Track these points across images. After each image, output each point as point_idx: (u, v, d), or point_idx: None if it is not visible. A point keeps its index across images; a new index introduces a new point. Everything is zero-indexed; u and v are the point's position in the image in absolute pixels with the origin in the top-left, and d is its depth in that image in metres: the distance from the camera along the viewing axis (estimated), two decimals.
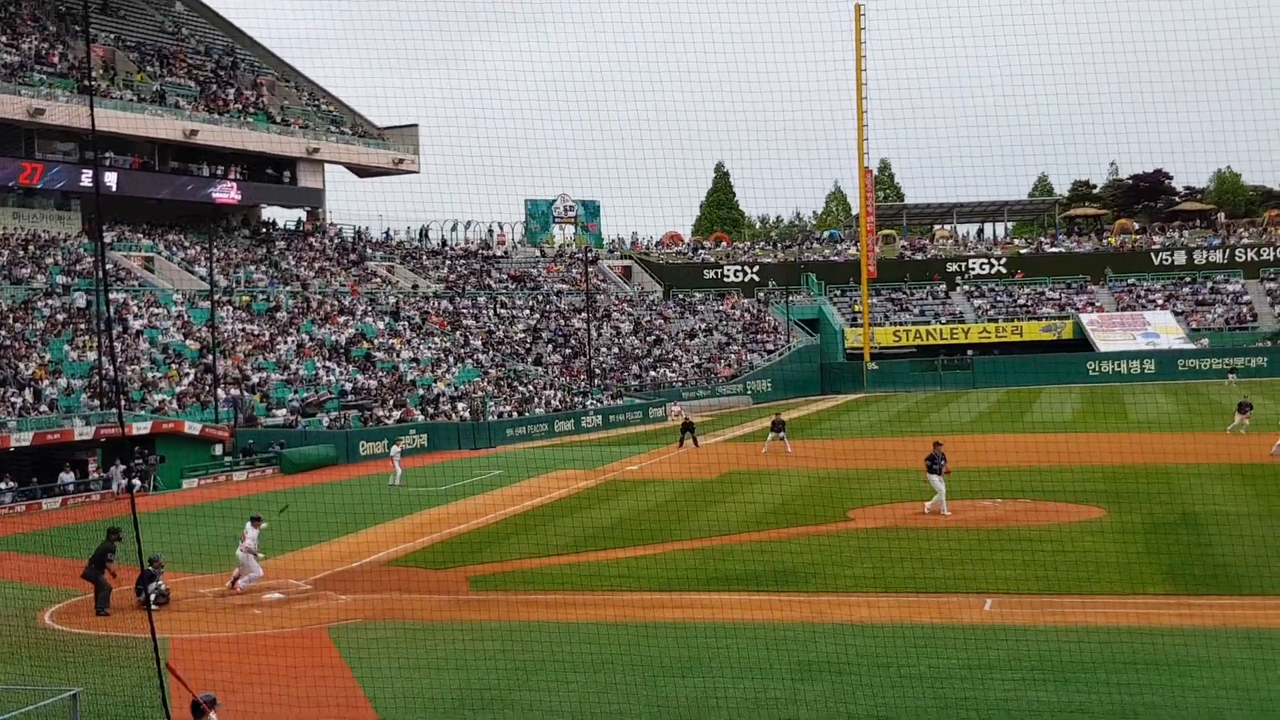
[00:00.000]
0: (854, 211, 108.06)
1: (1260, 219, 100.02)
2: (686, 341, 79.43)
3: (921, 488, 29.48)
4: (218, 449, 45.08)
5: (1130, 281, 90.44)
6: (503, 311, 74.17)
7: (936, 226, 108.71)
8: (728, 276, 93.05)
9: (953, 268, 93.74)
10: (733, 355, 79.10)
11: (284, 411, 50.54)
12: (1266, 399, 59.12)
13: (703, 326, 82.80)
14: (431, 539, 27.93)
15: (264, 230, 74.80)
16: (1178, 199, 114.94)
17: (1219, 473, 32.70)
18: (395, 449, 41.11)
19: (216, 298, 54.22)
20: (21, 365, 45.91)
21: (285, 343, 57.50)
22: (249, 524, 23.02)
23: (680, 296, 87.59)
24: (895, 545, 24.19)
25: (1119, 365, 79.11)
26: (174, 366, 51.02)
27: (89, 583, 21.64)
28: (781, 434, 43.66)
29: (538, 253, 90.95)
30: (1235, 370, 72.68)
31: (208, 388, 49.08)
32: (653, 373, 72.20)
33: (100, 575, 21.48)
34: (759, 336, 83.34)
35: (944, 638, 17.26)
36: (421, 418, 53.81)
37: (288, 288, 64.90)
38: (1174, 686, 14.56)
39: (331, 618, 20.27)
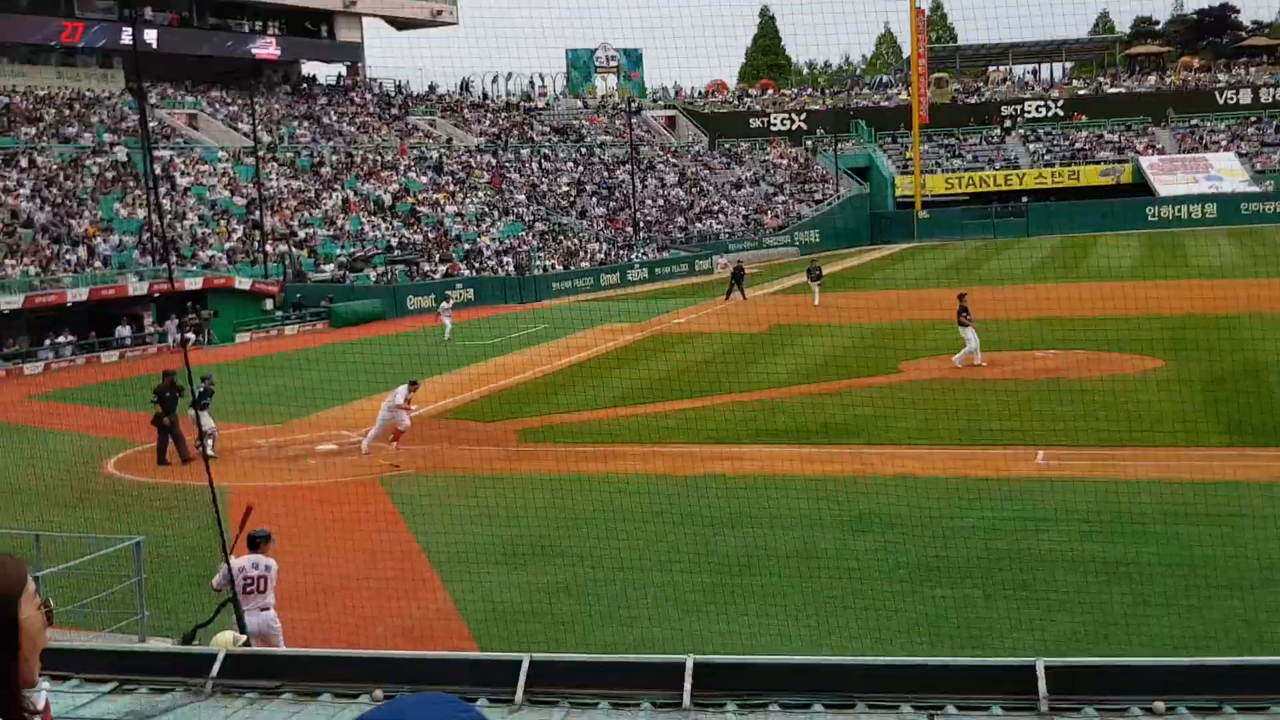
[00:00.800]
0: (905, 54, 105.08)
1: None
2: (733, 192, 78.43)
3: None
4: (268, 304, 45.43)
5: (1194, 122, 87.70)
6: (546, 165, 73.39)
7: (991, 69, 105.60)
8: (775, 125, 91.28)
9: (1008, 111, 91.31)
10: (780, 206, 78.09)
11: (331, 266, 50.68)
12: None
13: (749, 177, 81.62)
14: (480, 392, 28.06)
15: (305, 86, 74.04)
16: (1245, 34, 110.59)
17: None
18: (445, 304, 41.10)
19: (261, 154, 53.98)
20: (74, 223, 46.19)
21: (330, 198, 57.37)
22: (405, 387, 22.19)
23: (726, 146, 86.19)
24: (946, 398, 23.97)
25: (1179, 210, 77.29)
26: (222, 222, 51.12)
27: (157, 429, 21.69)
28: (819, 283, 43.32)
29: (580, 104, 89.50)
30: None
31: (256, 243, 49.21)
32: (699, 225, 71.54)
33: (173, 420, 21.49)
34: (807, 186, 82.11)
35: (996, 491, 17.14)
36: (467, 272, 53.77)
37: (330, 143, 64.46)
38: (1229, 539, 14.38)
39: (384, 469, 20.50)
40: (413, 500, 18.02)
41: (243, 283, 44.63)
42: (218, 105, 64.74)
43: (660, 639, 11.85)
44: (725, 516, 16.39)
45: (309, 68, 76.75)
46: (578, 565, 14.55)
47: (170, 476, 20.85)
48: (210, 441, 21.63)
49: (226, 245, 49.07)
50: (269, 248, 48.74)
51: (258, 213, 50.27)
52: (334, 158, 62.14)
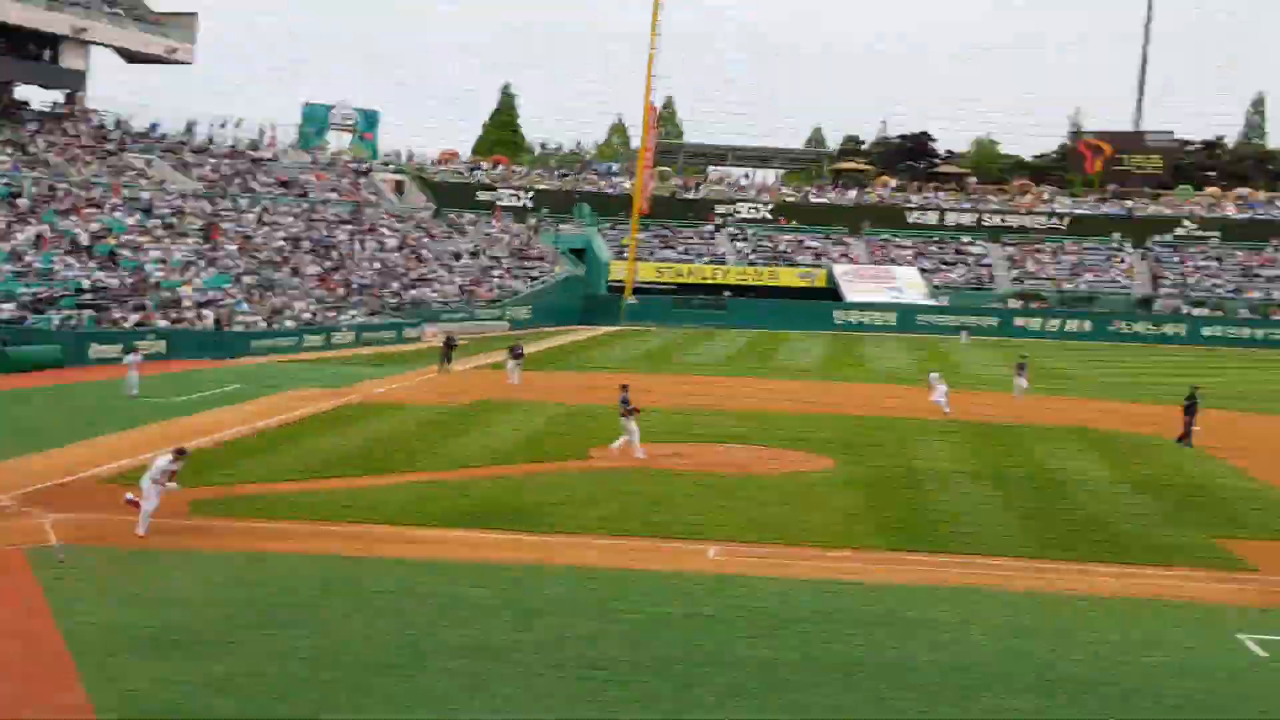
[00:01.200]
0: (634, 145, 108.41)
1: (1009, 187, 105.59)
2: (452, 262, 78.27)
3: (662, 428, 30.05)
4: None
5: (885, 236, 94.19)
6: (265, 217, 71.17)
7: (711, 168, 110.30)
8: (502, 199, 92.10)
9: (722, 209, 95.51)
10: (496, 279, 78.43)
11: (12, 305, 47.24)
12: (995, 353, 62.79)
13: (469, 248, 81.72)
14: (156, 456, 26.57)
15: (15, 109, 69.30)
16: (938, 161, 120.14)
17: (941, 429, 34.41)
18: (132, 356, 37.82)
19: None
20: None
21: (23, 232, 53.65)
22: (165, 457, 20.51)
23: (451, 215, 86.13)
24: (630, 486, 24.47)
25: (863, 315, 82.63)
26: None
27: None
28: (518, 361, 43.38)
29: (309, 159, 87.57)
30: (968, 329, 76.96)
31: None
32: (413, 291, 70.90)
33: None
34: (525, 263, 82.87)
35: (669, 585, 17.57)
36: (163, 322, 51.21)
37: (34, 173, 60.42)
38: (877, 644, 15.23)
39: (33, 539, 19.06)
40: (61, 575, 16.84)
41: None
42: None
43: None
44: (392, 603, 16.09)
45: (23, 91, 71.86)
46: (224, 656, 13.83)
47: None
48: None
49: None
50: None
51: None
52: (34, 189, 58.22)
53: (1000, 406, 39.92)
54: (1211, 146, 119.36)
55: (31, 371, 41.03)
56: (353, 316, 62.09)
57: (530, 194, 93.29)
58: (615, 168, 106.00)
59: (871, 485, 25.71)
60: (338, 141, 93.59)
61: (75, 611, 15.21)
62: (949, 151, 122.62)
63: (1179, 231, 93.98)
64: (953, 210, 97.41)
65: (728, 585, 17.73)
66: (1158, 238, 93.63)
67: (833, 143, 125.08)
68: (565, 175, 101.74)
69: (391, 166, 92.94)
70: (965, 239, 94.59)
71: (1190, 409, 33.47)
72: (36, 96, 72.79)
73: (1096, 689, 14.00)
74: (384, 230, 77.98)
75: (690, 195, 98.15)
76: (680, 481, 25.27)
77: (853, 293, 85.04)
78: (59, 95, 72.92)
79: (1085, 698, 13.72)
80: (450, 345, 47.79)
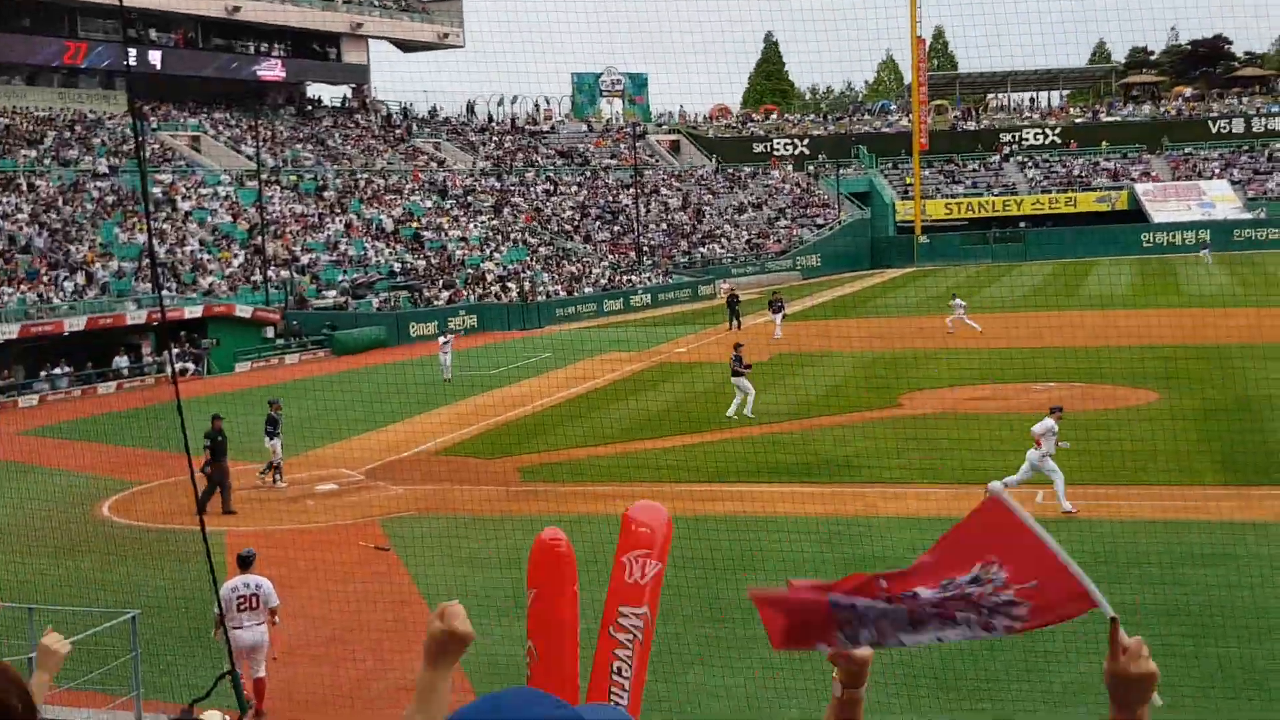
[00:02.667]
0: (906, 81, 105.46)
1: None
2: (736, 217, 78.61)
3: (971, 371, 29.30)
4: (269, 331, 45.45)
5: (1187, 150, 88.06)
6: (550, 188, 73.56)
7: (990, 96, 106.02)
8: (777, 149, 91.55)
9: (1006, 138, 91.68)
10: (782, 230, 78.25)
11: (334, 293, 50.76)
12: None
13: (752, 201, 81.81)
14: (483, 426, 28.09)
15: (309, 108, 74.28)
16: (1237, 64, 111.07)
17: (1273, 352, 32.07)
18: (445, 338, 38.32)
19: (264, 177, 54.10)
20: (73, 249, 46.26)
21: (334, 222, 57.49)
22: None
23: (729, 170, 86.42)
24: (946, 433, 24.00)
25: (1174, 236, 77.59)
26: (224, 248, 51.22)
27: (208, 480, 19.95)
28: (780, 315, 42.21)
29: (585, 128, 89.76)
30: (1208, 246, 71.17)
31: (258, 269, 49.30)
32: (702, 249, 71.68)
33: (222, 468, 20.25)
34: (809, 211, 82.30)
35: None
36: (471, 298, 53.85)
37: (334, 166, 64.63)
38: (1226, 584, 14.44)
39: (384, 510, 20.52)
40: (413, 542, 18.04)
41: (243, 310, 44.69)
42: (221, 127, 64.96)
43: (663, 695, 11.86)
44: (730, 561, 16.41)
45: (314, 90, 77.08)
46: (579, 614, 14.50)
47: (169, 521, 20.61)
48: (278, 474, 21.87)
49: (228, 271, 49.18)
50: (271, 273, 48.85)
51: (260, 237, 50.39)
52: (337, 181, 62.29)
53: None
54: None
55: (361, 353, 43.96)
56: (647, 279, 63.41)
57: (806, 141, 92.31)
58: (889, 105, 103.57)
59: (1202, 417, 24.29)
60: (609, 108, 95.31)
61: (431, 575, 16.28)
62: (1248, 53, 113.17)
63: None
64: (1260, 115, 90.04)
65: (1057, 529, 17.15)
66: None
67: (1119, 56, 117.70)
68: (840, 119, 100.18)
69: (665, 127, 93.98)
70: (1278, 145, 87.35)
71: None
72: (326, 94, 77.76)
73: None
74: (665, 191, 79.11)
75: (971, 126, 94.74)
76: (997, 424, 24.60)
77: (1159, 213, 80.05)
78: (347, 90, 77.52)
79: None
80: (735, 301, 47.39)
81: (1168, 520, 17.40)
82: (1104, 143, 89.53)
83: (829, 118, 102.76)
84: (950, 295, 43.78)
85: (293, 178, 60.49)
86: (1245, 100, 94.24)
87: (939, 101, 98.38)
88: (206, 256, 49.83)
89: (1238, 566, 15.04)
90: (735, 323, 45.80)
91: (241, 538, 17.24)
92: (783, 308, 43.37)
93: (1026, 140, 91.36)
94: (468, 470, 23.23)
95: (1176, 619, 13.37)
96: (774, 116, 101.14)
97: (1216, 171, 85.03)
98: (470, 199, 66.79)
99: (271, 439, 22.45)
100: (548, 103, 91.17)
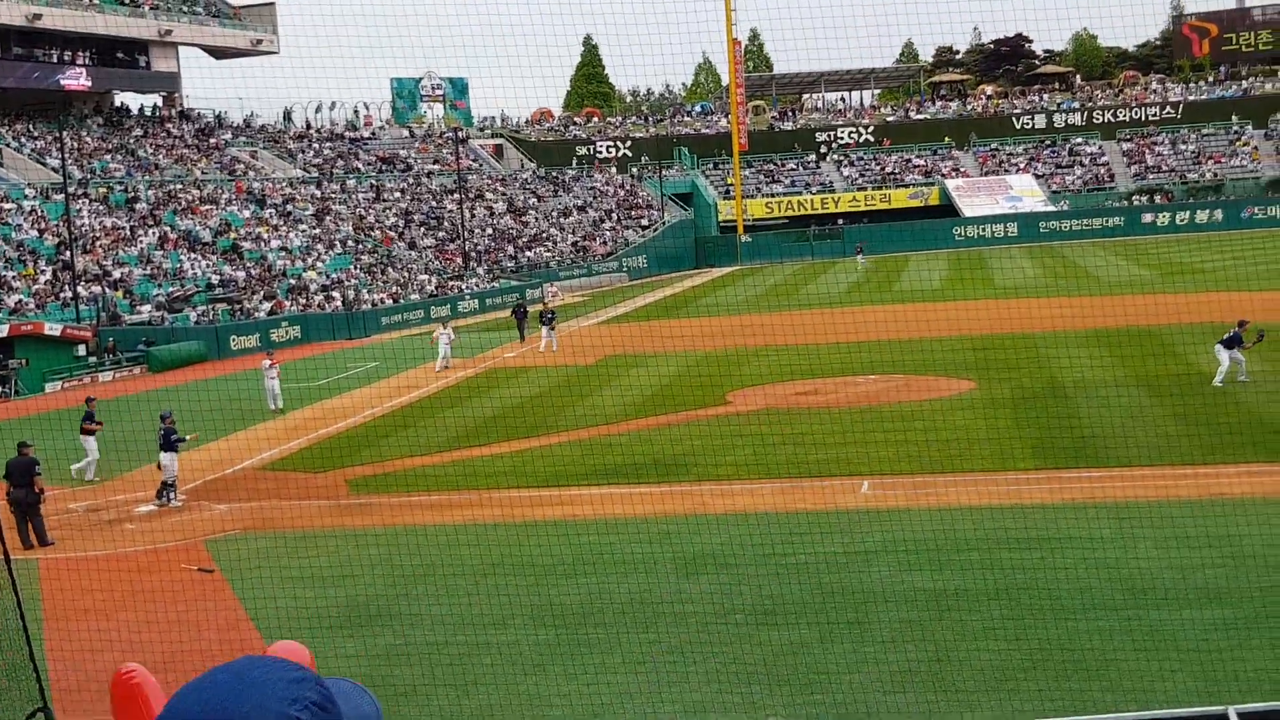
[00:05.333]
0: (724, 82, 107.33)
1: (1116, 80, 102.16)
2: (561, 220, 78.70)
3: (795, 367, 29.94)
4: (81, 349, 43.52)
5: (993, 146, 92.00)
6: (372, 196, 72.36)
7: (805, 96, 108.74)
8: (600, 152, 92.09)
9: (822, 137, 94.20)
10: (608, 232, 78.68)
11: (149, 307, 48.91)
12: (1123, 259, 61.11)
13: (577, 204, 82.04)
14: (308, 439, 27.45)
15: (118, 117, 71.41)
16: (1037, 62, 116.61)
17: (1081, 339, 33.68)
18: (266, 362, 33.90)
19: (72, 190, 51.77)
20: None
21: (147, 235, 55.41)
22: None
23: (554, 174, 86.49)
24: (773, 429, 24.51)
25: (984, 229, 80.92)
26: (30, 264, 48.87)
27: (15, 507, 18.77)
28: (550, 327, 40.27)
29: (406, 134, 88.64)
30: (862, 250, 72.30)
31: (67, 285, 47.18)
32: (528, 253, 71.52)
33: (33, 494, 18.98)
34: (634, 213, 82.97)
35: (823, 524, 17.57)
36: (293, 309, 52.57)
37: (146, 177, 62.28)
38: (1045, 566, 15.07)
39: (208, 530, 19.87)
40: (240, 562, 17.51)
41: (52, 328, 42.69)
42: (24, 139, 61.93)
43: (500, 704, 11.79)
44: (562, 565, 16.41)
45: (122, 98, 74.09)
46: (415, 627, 14.34)
47: None
48: (172, 493, 20.87)
49: (35, 288, 46.93)
50: (81, 289, 46.79)
51: (68, 253, 48.21)
52: (149, 192, 60.03)
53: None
54: None
55: (179, 369, 42.47)
56: (474, 284, 62.93)
57: (628, 143, 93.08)
58: (708, 107, 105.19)
59: (1016, 404, 25.35)
60: (431, 113, 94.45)
61: (259, 595, 15.82)
62: (1047, 51, 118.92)
63: None
64: (1060, 111, 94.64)
65: (884, 519, 17.70)
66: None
67: (926, 55, 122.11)
68: (659, 121, 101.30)
69: (488, 132, 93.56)
70: (1078, 139, 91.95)
71: None
72: (135, 103, 74.90)
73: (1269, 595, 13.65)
74: (490, 196, 78.71)
75: (788, 126, 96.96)
76: (822, 419, 25.22)
77: (969, 207, 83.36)
78: (157, 99, 74.84)
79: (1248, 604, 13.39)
80: (523, 314, 44.44)
81: (987, 505, 18.07)
82: (915, 141, 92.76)
83: (650, 120, 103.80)
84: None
85: (102, 189, 58.05)
86: (1046, 97, 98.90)
87: (756, 102, 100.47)
88: (11, 274, 47.45)
89: (1054, 548, 15.70)
90: (521, 336, 43.64)
91: (55, 564, 16.46)
92: (553, 319, 41.22)
93: (841, 139, 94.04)
94: (294, 485, 22.66)
95: (998, 602, 13.88)
96: (596, 120, 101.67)
97: (1021, 166, 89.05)
98: (290, 207, 65.18)
99: (166, 452, 21.29)
100: (367, 109, 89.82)
